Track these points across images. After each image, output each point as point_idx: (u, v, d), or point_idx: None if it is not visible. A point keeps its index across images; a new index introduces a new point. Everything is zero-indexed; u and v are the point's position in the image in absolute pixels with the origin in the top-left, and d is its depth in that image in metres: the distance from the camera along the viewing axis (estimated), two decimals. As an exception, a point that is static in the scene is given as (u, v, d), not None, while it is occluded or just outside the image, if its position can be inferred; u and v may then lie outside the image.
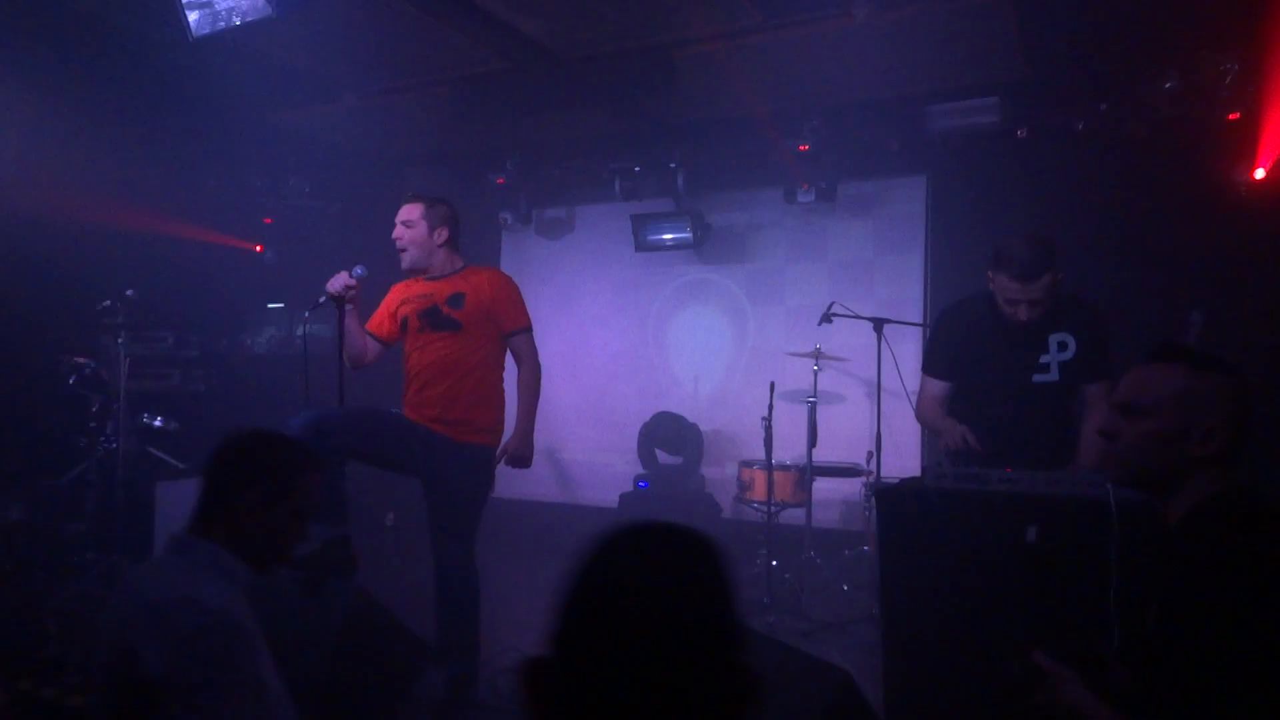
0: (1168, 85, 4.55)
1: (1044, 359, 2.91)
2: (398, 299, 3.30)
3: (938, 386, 3.10)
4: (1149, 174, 4.85)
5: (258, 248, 6.95)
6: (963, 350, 3.04)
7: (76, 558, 4.52)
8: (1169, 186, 4.79)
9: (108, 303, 4.60)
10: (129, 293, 4.64)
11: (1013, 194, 5.19)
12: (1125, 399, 1.58)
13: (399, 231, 3.20)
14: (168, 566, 1.67)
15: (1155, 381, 1.55)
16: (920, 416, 3.15)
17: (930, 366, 3.15)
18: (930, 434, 3.19)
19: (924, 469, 2.66)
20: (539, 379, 3.27)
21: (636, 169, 6.04)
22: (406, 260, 3.21)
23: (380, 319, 3.32)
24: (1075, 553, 2.34)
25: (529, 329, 3.27)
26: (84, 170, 5.16)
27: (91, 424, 4.70)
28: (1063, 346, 2.89)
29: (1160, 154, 4.81)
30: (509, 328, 3.22)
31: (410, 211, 3.20)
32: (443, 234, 3.21)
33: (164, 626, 1.52)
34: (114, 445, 4.61)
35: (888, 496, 2.76)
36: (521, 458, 3.22)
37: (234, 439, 1.76)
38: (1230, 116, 4.66)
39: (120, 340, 4.61)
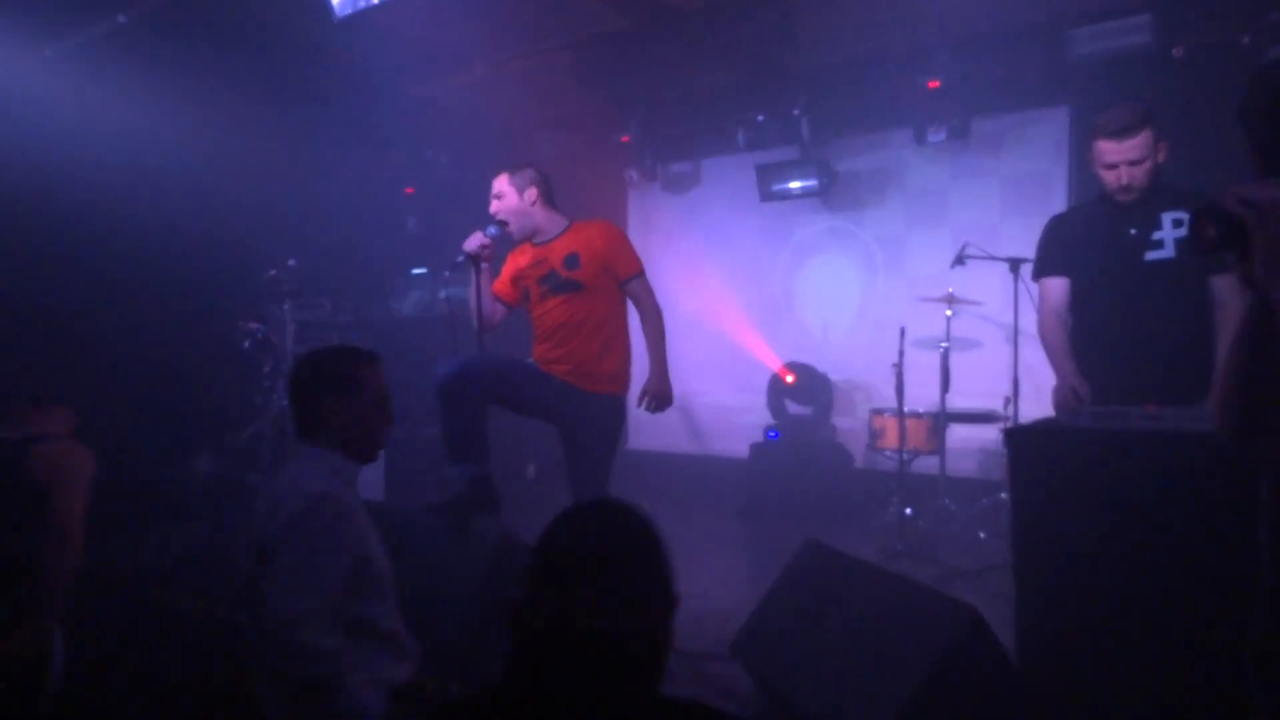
0: (1350, -14, 4.09)
1: (1157, 235, 2.74)
2: (514, 268, 3.43)
3: (1055, 289, 2.97)
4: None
5: (409, 190, 7.32)
6: (1073, 244, 2.91)
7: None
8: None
9: (274, 272, 5.03)
10: (291, 263, 5.06)
11: (1169, 120, 4.80)
12: None
13: (494, 206, 3.32)
14: (287, 471, 1.99)
15: None
16: (1044, 337, 3.00)
17: (1042, 267, 3.02)
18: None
19: (1058, 407, 2.59)
20: (661, 318, 3.32)
21: (760, 118, 5.98)
22: (511, 229, 3.34)
23: (503, 284, 3.47)
24: (1223, 493, 2.24)
25: (642, 271, 3.33)
26: (248, 151, 5.62)
27: (265, 384, 5.18)
28: (1178, 224, 2.71)
29: (1342, 65, 4.34)
30: (624, 274, 3.29)
31: (498, 184, 3.32)
32: (532, 193, 3.29)
33: (277, 511, 1.83)
34: (284, 404, 5.07)
35: (1020, 437, 2.70)
36: (662, 397, 3.27)
37: (300, 363, 2.06)
38: None
39: (286, 307, 5.05)
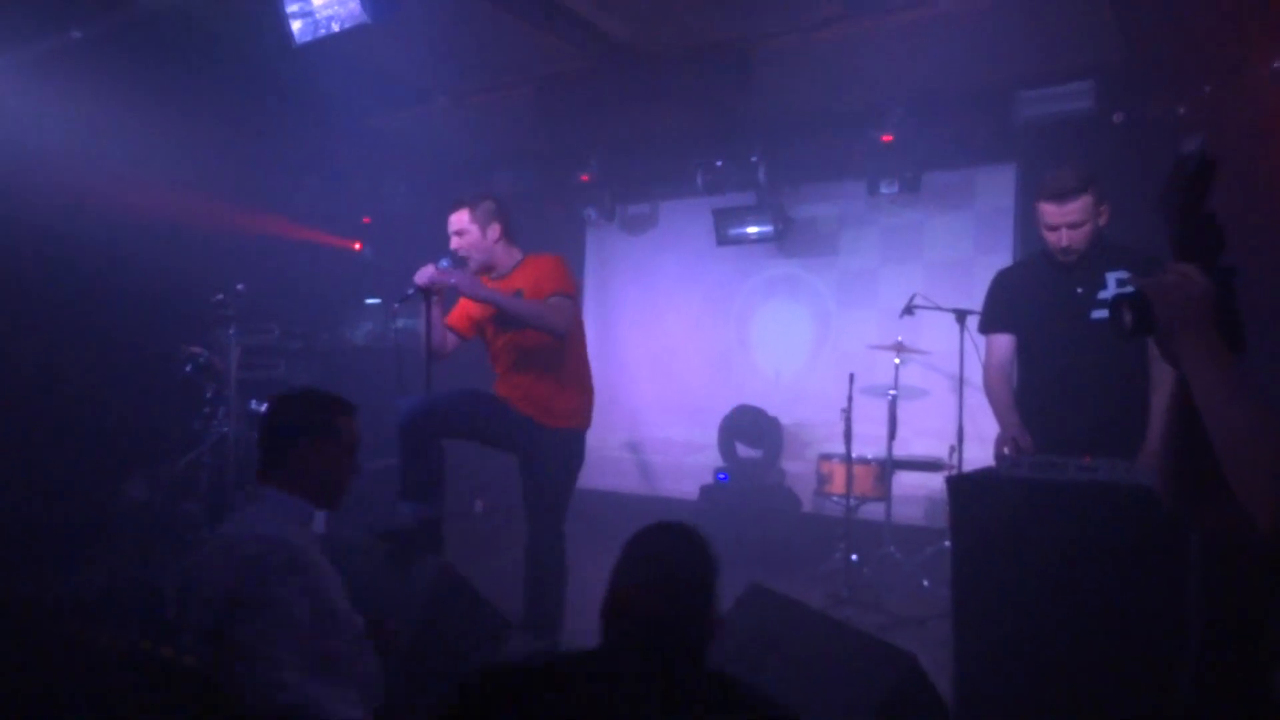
0: (1276, 65, 4.32)
1: (1102, 294, 2.81)
2: (470, 305, 3.39)
3: (1001, 344, 3.04)
4: (1257, 163, 4.59)
5: (356, 246, 7.29)
6: (1020, 300, 2.99)
7: (191, 534, 4.86)
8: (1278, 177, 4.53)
9: (220, 296, 4.92)
10: (239, 287, 4.96)
11: (1109, 182, 4.99)
12: None
13: (455, 243, 3.28)
14: (243, 513, 1.94)
15: None
16: (989, 391, 3.07)
17: (987, 323, 3.09)
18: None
19: (998, 457, 2.63)
20: (552, 320, 3.11)
21: (718, 163, 6.07)
22: (472, 266, 3.30)
23: (458, 317, 3.45)
24: (1154, 543, 2.29)
25: (566, 293, 3.19)
26: (199, 173, 5.54)
27: (205, 410, 5.04)
28: (1123, 284, 2.79)
29: (1271, 141, 4.56)
30: (548, 290, 3.17)
31: (458, 220, 3.28)
32: (495, 230, 3.28)
33: (231, 555, 1.78)
34: (225, 430, 4.93)
35: (961, 485, 2.74)
36: (448, 284, 3.08)
37: (281, 400, 2.04)
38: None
39: (232, 332, 4.93)
